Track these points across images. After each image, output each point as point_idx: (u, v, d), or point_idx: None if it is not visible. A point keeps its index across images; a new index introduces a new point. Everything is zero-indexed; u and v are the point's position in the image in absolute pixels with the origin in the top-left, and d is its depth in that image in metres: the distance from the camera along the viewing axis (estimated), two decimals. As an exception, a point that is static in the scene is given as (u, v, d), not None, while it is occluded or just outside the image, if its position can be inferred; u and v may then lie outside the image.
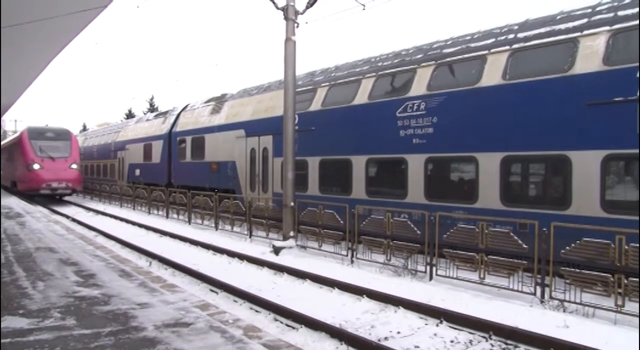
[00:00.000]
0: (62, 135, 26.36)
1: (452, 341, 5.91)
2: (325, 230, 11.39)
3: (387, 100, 11.73)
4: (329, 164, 13.38)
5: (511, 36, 9.77)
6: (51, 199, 26.29)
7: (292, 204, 11.95)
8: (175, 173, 21.52)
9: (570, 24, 8.90)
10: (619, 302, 6.48)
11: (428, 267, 8.84)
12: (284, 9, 12.16)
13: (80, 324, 4.61)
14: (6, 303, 5.23)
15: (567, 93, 8.47)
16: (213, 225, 15.78)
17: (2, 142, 35.44)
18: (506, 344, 5.74)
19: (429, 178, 10.73)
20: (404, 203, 10.91)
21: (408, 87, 11.30)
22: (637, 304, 6.31)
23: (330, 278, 8.48)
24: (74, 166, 25.29)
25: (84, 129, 59.66)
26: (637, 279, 6.39)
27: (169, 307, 5.24)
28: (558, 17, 9.35)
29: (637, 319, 6.15)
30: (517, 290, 7.56)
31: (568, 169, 8.37)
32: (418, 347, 5.71)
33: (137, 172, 25.46)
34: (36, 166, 24.02)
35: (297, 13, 12.24)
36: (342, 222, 10.95)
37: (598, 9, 8.82)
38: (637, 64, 7.58)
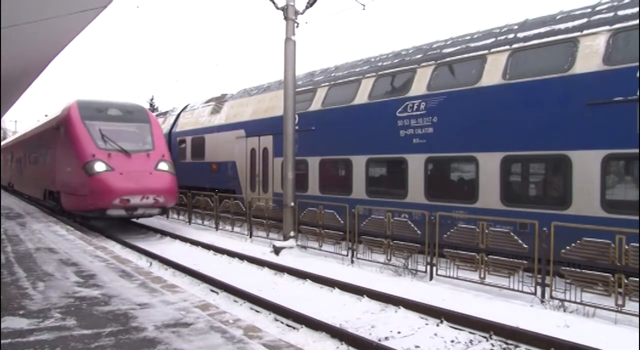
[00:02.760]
0: (136, 113, 15.40)
1: (452, 341, 5.90)
2: (325, 230, 11.38)
3: (387, 100, 11.73)
4: (329, 164, 13.38)
5: (511, 36, 9.76)
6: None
7: (292, 204, 11.95)
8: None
9: (570, 24, 8.89)
10: (619, 302, 6.49)
11: (428, 267, 8.84)
12: (284, 9, 12.16)
13: (81, 324, 4.61)
14: (6, 303, 5.23)
15: (567, 93, 8.47)
16: (213, 225, 15.78)
17: (24, 130, 25.99)
18: (507, 343, 5.73)
19: (429, 178, 10.72)
20: (404, 203, 10.91)
21: (408, 87, 11.30)
22: (637, 304, 6.31)
23: (331, 278, 8.48)
24: (163, 166, 14.11)
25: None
26: (637, 279, 6.39)
27: (169, 307, 5.23)
28: (558, 17, 9.35)
29: (637, 318, 6.15)
30: (518, 290, 7.56)
31: (568, 168, 8.37)
32: (418, 347, 5.70)
33: None
34: (100, 167, 13.01)
35: (297, 13, 12.24)
36: (342, 222, 10.94)
37: (598, 8, 8.82)
38: (637, 64, 7.58)
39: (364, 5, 12.60)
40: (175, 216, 18.75)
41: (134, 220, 15.83)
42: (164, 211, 14.77)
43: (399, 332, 6.16)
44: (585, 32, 8.56)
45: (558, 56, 8.79)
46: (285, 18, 12.16)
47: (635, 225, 6.85)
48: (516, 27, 9.96)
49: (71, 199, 14.28)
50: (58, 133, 15.25)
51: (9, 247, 9.20)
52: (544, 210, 8.52)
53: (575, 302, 6.89)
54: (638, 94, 7.50)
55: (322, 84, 14.05)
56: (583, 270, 7.01)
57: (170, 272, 9.77)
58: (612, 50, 8.10)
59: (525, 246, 7.64)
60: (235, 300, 7.66)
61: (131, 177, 13.18)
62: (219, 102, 19.61)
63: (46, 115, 20.75)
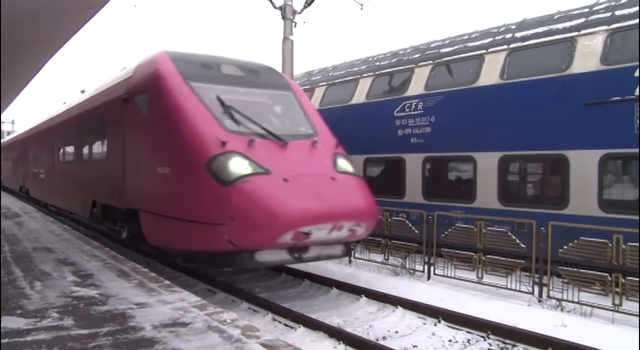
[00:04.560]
0: (266, 74, 8.78)
1: (450, 340, 5.91)
2: (323, 230, 11.35)
3: (384, 100, 11.74)
4: (327, 163, 13.36)
5: (509, 36, 9.78)
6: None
7: (290, 203, 11.89)
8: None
9: (568, 24, 8.91)
10: (617, 301, 6.50)
11: (426, 267, 8.83)
12: (282, 9, 12.15)
13: (78, 324, 4.59)
14: (4, 303, 5.20)
15: (565, 92, 8.48)
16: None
17: (50, 114, 17.12)
18: (504, 343, 5.74)
19: (427, 177, 10.73)
20: (402, 202, 10.92)
21: (406, 87, 11.31)
22: (635, 303, 6.31)
23: (329, 277, 8.48)
24: (344, 164, 7.50)
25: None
26: (635, 278, 6.40)
27: (167, 307, 5.22)
28: (556, 17, 9.37)
29: (635, 317, 6.16)
30: (515, 290, 7.57)
31: (566, 168, 8.38)
32: (416, 346, 5.71)
33: None
34: (242, 166, 6.30)
35: (294, 12, 12.24)
36: (340, 221, 10.92)
37: (595, 8, 8.85)
38: (635, 63, 7.60)
39: (361, 5, 12.61)
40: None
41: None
42: (349, 250, 8.02)
43: (396, 332, 6.16)
44: (583, 32, 8.57)
45: (556, 56, 8.81)
46: (283, 17, 12.15)
47: (632, 225, 6.86)
48: (514, 27, 9.98)
49: (175, 229, 7.16)
50: (132, 107, 8.38)
51: (6, 246, 9.16)
52: (542, 209, 8.53)
53: (572, 302, 6.89)
54: (637, 93, 7.52)
55: (320, 84, 14.04)
56: (580, 270, 7.02)
57: (168, 271, 9.74)
58: (609, 50, 8.12)
59: (523, 246, 7.65)
60: (233, 300, 7.65)
61: (306, 188, 6.55)
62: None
63: (83, 91, 13.72)
